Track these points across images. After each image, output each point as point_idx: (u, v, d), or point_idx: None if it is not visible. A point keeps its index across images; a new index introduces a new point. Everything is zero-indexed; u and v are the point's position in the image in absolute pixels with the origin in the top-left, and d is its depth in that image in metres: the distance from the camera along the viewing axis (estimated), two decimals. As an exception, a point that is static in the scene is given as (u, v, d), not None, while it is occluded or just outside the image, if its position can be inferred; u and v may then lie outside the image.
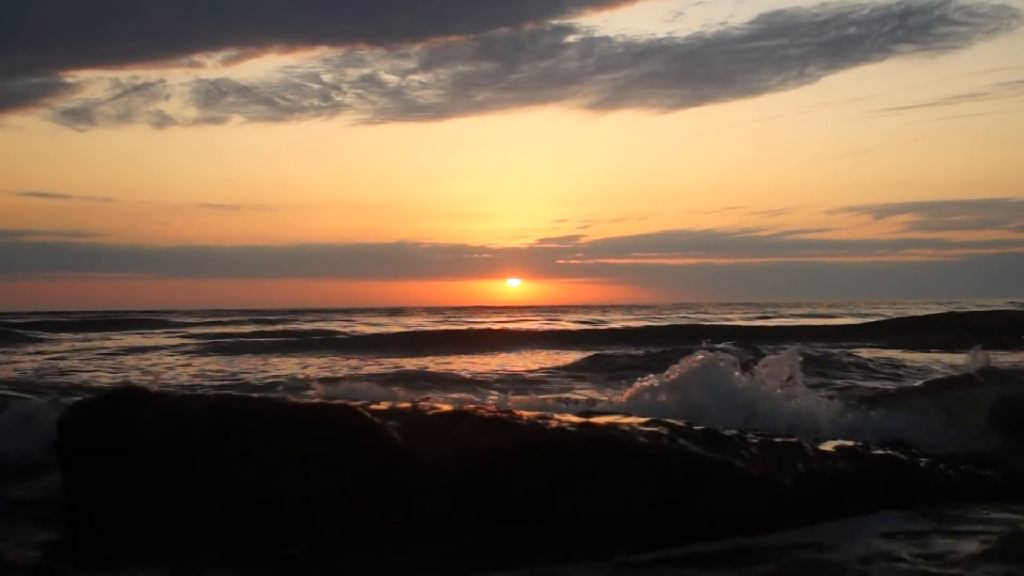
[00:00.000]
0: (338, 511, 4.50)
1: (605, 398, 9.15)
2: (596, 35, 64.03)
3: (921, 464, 4.80)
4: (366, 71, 66.89)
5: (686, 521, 4.31)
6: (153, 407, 5.29)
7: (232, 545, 4.31)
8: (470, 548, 4.23)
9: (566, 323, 37.73)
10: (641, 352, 17.81)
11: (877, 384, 11.72)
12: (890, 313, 42.38)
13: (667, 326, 31.54)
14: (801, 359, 8.14)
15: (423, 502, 4.47)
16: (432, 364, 17.29)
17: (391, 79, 67.86)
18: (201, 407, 5.07)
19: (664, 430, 4.68)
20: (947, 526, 4.18)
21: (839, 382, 11.88)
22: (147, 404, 5.42)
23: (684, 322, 35.09)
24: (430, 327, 33.25)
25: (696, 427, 4.70)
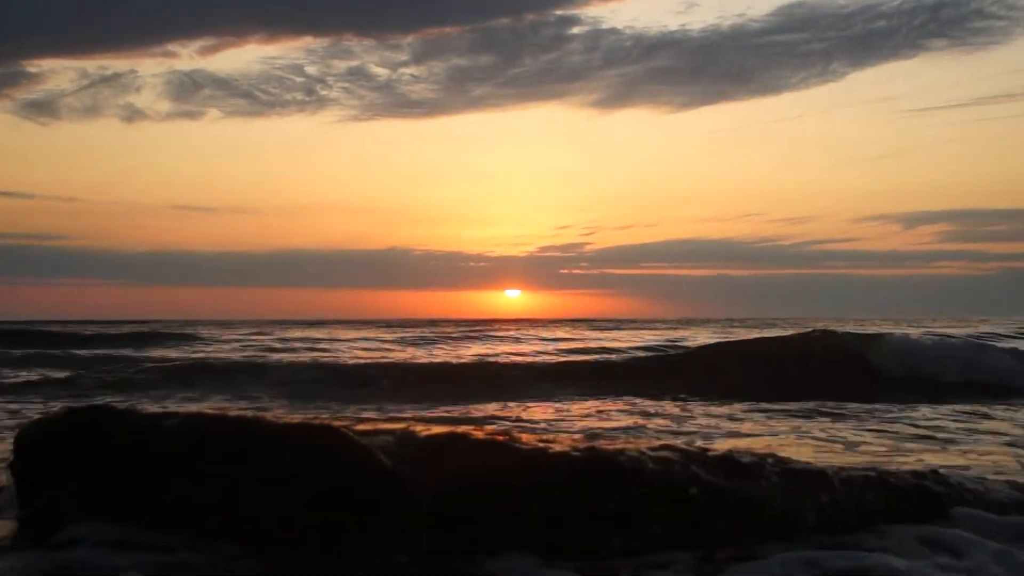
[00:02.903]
0: (320, 536, 4.66)
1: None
2: (603, 27, 65.22)
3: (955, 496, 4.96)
4: (354, 63, 68.32)
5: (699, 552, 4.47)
6: (120, 425, 5.41)
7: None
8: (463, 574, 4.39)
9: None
10: None
11: None
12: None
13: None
14: None
15: (413, 527, 4.62)
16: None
17: (381, 72, 69.12)
18: (173, 425, 5.22)
19: (676, 456, 4.85)
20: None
21: None
22: (113, 422, 5.60)
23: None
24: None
25: (711, 453, 4.88)
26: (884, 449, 7.98)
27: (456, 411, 12.13)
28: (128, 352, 26.82)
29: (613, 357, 21.89)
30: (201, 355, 25.53)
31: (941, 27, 57.63)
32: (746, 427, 9.94)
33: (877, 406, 12.00)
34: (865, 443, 8.41)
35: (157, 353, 26.57)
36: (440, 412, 12.10)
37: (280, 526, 4.71)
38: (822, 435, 8.90)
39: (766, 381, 15.21)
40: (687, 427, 9.85)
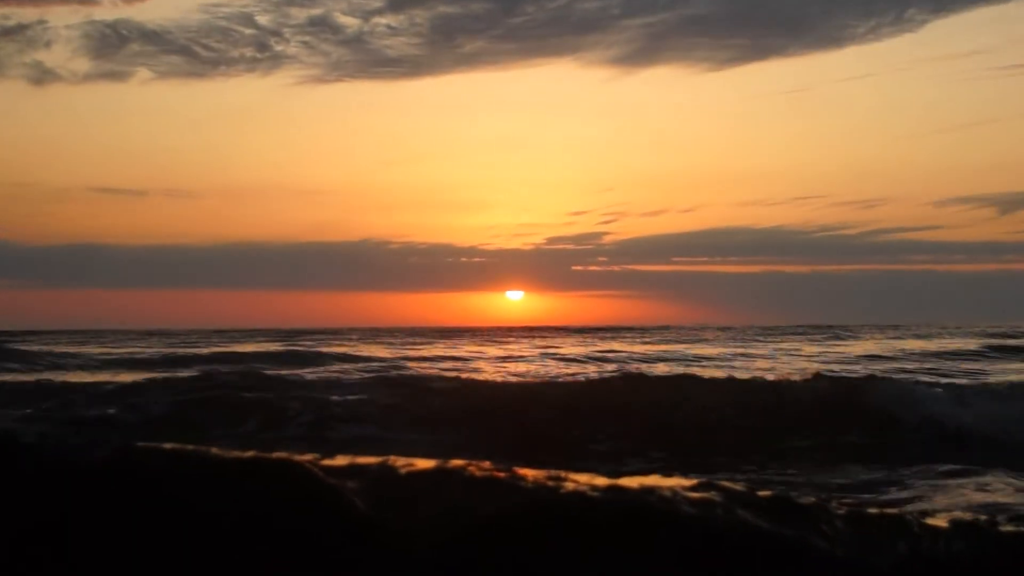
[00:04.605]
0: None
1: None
2: (624, -36, 56.65)
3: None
4: (316, 12, 60.91)
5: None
6: (28, 460, 4.82)
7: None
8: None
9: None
10: None
11: None
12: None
13: None
14: None
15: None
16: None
17: (350, 23, 61.39)
18: (98, 459, 4.78)
19: (718, 496, 4.39)
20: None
21: None
22: (18, 456, 5.01)
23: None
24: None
25: (762, 493, 4.40)
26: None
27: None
28: None
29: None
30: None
31: (1041, -37, 51.26)
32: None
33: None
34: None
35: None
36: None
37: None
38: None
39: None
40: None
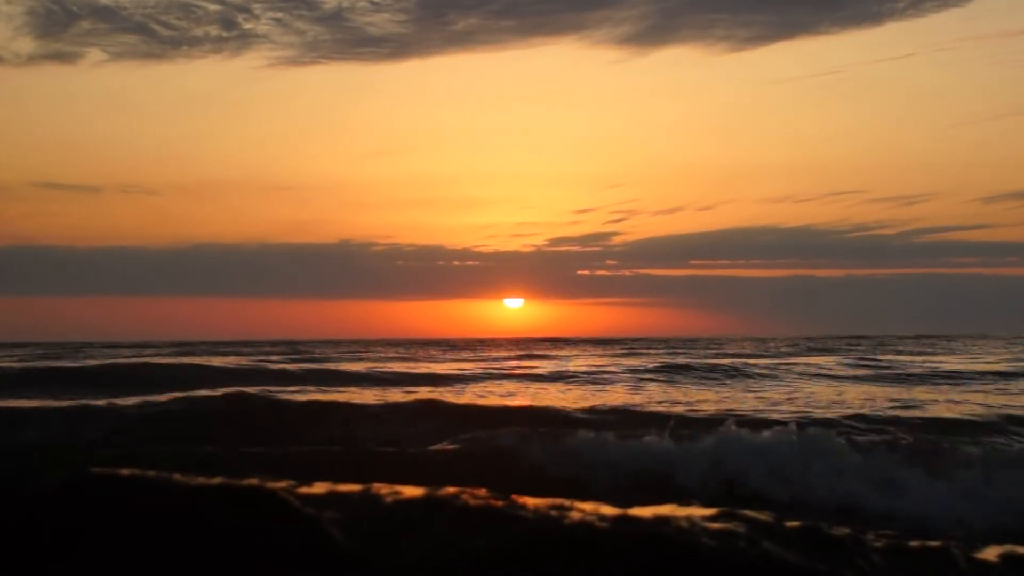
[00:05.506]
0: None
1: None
2: (635, -68, 50.65)
3: None
4: None
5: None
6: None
7: None
8: None
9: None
10: None
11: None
12: None
13: None
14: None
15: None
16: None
17: None
18: (50, 487, 4.52)
19: (741, 527, 4.07)
20: None
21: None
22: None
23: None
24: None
25: (789, 524, 4.07)
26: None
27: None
28: None
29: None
30: None
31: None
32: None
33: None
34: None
35: None
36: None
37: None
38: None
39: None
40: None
